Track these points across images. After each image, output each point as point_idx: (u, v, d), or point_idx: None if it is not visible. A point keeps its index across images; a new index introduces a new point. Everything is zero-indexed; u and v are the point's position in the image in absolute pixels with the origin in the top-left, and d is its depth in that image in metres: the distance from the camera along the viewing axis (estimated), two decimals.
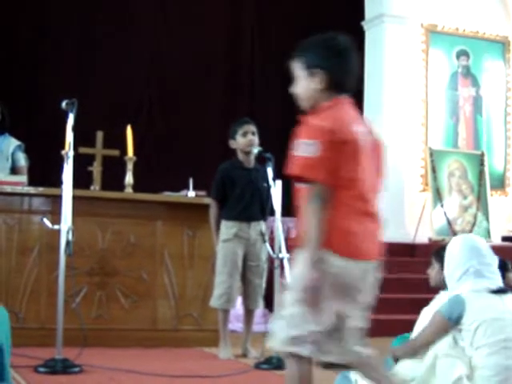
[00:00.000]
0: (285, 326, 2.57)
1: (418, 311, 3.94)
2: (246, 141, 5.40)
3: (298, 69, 2.78)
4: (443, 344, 3.44)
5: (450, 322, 3.42)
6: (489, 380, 3.29)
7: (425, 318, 3.78)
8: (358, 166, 2.63)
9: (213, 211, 5.47)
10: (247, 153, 5.42)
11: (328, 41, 2.84)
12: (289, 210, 6.79)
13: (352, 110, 2.76)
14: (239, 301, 5.61)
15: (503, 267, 4.29)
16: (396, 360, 3.71)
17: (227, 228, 5.38)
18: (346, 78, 2.78)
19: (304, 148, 2.59)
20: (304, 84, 2.76)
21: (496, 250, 8.20)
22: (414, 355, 3.57)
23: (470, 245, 3.61)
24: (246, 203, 5.39)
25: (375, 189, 2.83)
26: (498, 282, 3.54)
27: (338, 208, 2.60)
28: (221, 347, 5.36)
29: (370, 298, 2.83)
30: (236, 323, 6.71)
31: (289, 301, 2.59)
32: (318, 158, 2.52)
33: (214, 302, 5.38)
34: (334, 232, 2.59)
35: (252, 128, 5.44)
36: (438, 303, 3.68)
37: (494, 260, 3.63)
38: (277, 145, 8.76)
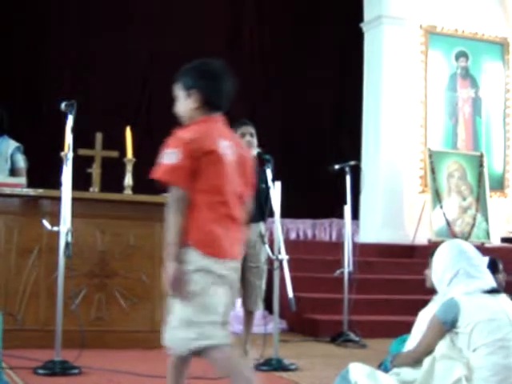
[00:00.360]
0: (183, 328, 2.93)
1: (417, 312, 3.94)
2: (244, 142, 5.40)
3: (177, 90, 3.12)
4: (441, 346, 3.44)
5: (446, 326, 3.43)
6: (487, 380, 3.29)
7: (422, 320, 3.78)
8: (220, 175, 2.95)
9: None
10: None
11: (203, 65, 3.14)
12: (288, 211, 6.82)
13: (221, 127, 3.10)
14: (239, 302, 5.61)
15: (494, 268, 4.29)
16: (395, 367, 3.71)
17: None
18: (219, 98, 3.09)
19: (167, 156, 3.00)
20: (183, 103, 3.11)
21: (495, 251, 8.24)
22: (415, 364, 3.57)
23: (457, 249, 3.64)
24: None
25: (240, 197, 3.07)
26: (490, 282, 3.55)
27: (202, 211, 2.92)
28: None
29: (233, 293, 3.09)
30: (236, 325, 6.70)
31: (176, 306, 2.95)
32: (177, 165, 2.92)
33: None
34: (199, 233, 2.92)
35: (250, 129, 5.44)
36: (435, 306, 3.68)
37: (483, 261, 3.64)
38: (277, 145, 8.82)
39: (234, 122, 5.65)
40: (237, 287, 3.16)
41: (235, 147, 3.06)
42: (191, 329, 2.91)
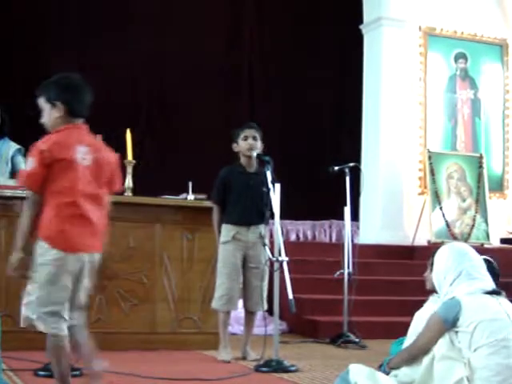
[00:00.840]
0: (34, 307, 3.39)
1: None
2: (246, 145, 5.42)
3: (42, 103, 3.53)
4: (440, 346, 3.44)
5: (447, 325, 3.43)
6: (489, 381, 3.30)
7: (418, 321, 3.79)
8: (70, 179, 3.34)
9: (215, 216, 5.51)
10: (248, 157, 5.44)
11: (64, 79, 3.58)
12: (288, 212, 6.83)
13: (82, 133, 3.51)
14: (240, 304, 5.62)
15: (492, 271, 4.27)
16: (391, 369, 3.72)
17: (226, 231, 5.43)
18: (80, 108, 3.53)
19: (27, 164, 3.39)
20: (48, 114, 3.52)
21: (495, 252, 8.24)
22: (411, 362, 3.58)
23: (458, 250, 3.65)
24: (244, 207, 5.41)
25: (95, 198, 3.45)
26: (491, 284, 3.56)
27: (53, 210, 3.33)
28: (220, 349, 5.37)
29: (87, 282, 3.51)
30: (236, 326, 6.72)
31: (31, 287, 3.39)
32: (31, 172, 3.34)
33: (215, 303, 5.41)
34: (49, 229, 3.34)
35: (253, 133, 5.46)
36: (432, 306, 3.69)
37: (483, 263, 3.65)
38: (276, 146, 8.82)
39: (234, 122, 5.69)
40: (90, 277, 3.50)
41: (93, 152, 3.45)
42: (34, 311, 3.40)
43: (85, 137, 3.50)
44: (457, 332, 3.42)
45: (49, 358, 3.65)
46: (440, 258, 3.68)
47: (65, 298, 3.40)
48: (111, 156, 3.59)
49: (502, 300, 3.50)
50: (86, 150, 3.42)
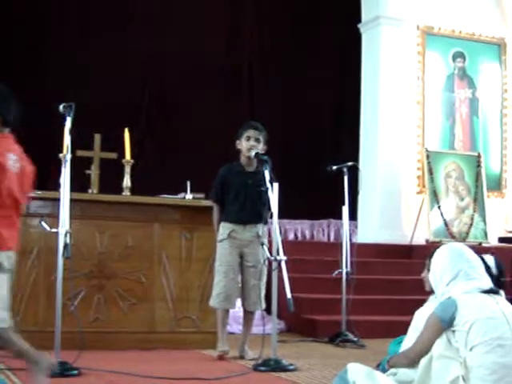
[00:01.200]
0: None
1: (414, 313, 3.95)
2: (247, 145, 5.43)
3: None
4: (437, 345, 3.44)
5: (444, 325, 3.43)
6: (485, 379, 3.30)
7: (418, 320, 3.79)
8: (5, 184, 3.51)
9: (215, 214, 5.52)
10: (248, 157, 5.45)
11: None
12: (286, 211, 6.83)
13: (11, 142, 3.66)
14: (239, 303, 5.62)
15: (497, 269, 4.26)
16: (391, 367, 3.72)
17: (223, 229, 5.44)
18: (10, 117, 3.67)
19: None
20: None
21: (493, 251, 8.23)
22: (412, 365, 3.58)
23: (456, 251, 3.65)
24: (241, 206, 5.42)
25: (17, 204, 3.65)
26: (489, 283, 3.56)
27: None
28: (218, 343, 5.38)
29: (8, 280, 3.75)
30: (235, 325, 6.72)
31: None
32: None
33: (213, 301, 5.42)
34: None
35: (257, 135, 5.45)
36: (432, 306, 3.69)
37: (481, 264, 3.65)
38: (276, 146, 8.81)
39: (234, 122, 5.69)
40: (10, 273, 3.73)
41: (20, 161, 3.62)
42: None
43: (13, 145, 3.66)
44: (454, 331, 3.42)
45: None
46: (437, 258, 3.69)
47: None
48: (31, 168, 3.75)
49: (500, 299, 3.51)
50: (15, 158, 3.60)
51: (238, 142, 5.53)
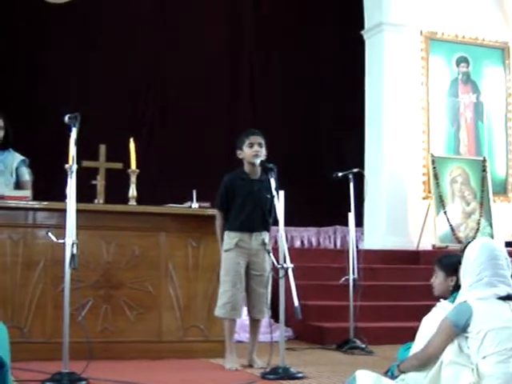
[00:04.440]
0: None
1: (422, 319, 3.94)
2: (252, 152, 5.40)
3: None
4: (448, 351, 3.43)
5: (457, 330, 3.42)
6: None
7: (426, 326, 3.78)
8: None
9: (218, 222, 5.50)
10: (253, 164, 5.43)
11: None
12: (292, 219, 6.83)
13: None
14: (245, 312, 5.62)
15: None
16: (402, 372, 3.71)
17: (229, 238, 5.41)
18: None
19: None
20: None
21: None
22: (423, 367, 3.56)
23: (487, 254, 3.56)
24: (247, 214, 5.40)
25: None
26: (507, 289, 3.50)
27: None
28: (227, 358, 5.37)
29: None
30: (242, 334, 6.72)
31: None
32: None
33: (219, 311, 5.40)
34: None
35: (259, 139, 5.44)
36: (439, 312, 3.68)
37: (510, 269, 3.57)
38: (280, 153, 8.82)
39: (237, 129, 5.69)
40: None
41: None
42: None
43: None
44: (467, 337, 3.40)
45: None
46: (469, 254, 3.61)
47: None
48: None
49: None
50: None
51: (239, 151, 5.49)
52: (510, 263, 3.61)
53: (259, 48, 11.40)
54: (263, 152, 5.42)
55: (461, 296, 3.56)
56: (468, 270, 3.57)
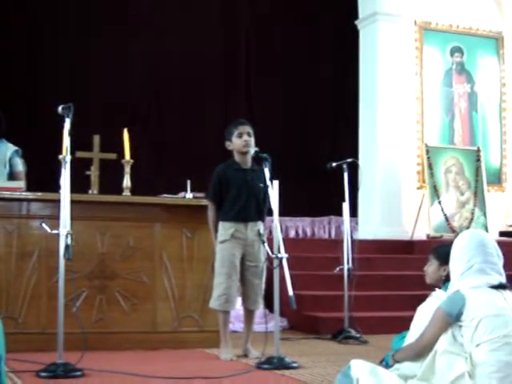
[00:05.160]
0: None
1: (416, 308, 3.95)
2: (242, 141, 5.40)
3: None
4: (442, 340, 3.43)
5: (451, 319, 3.42)
6: (490, 376, 3.29)
7: (421, 315, 3.78)
8: None
9: (211, 213, 5.48)
10: (243, 153, 5.42)
11: None
12: (287, 209, 6.83)
13: None
14: (239, 301, 5.62)
15: None
16: (396, 362, 3.72)
17: (224, 229, 5.39)
18: None
19: None
20: None
21: None
22: (417, 358, 3.57)
23: (476, 241, 3.56)
24: (242, 204, 5.39)
25: None
26: (499, 278, 3.51)
27: None
28: (222, 348, 5.37)
29: None
30: (237, 323, 6.73)
31: None
32: None
33: (213, 303, 5.39)
34: None
35: (247, 129, 5.43)
36: (434, 301, 3.68)
37: (500, 258, 3.58)
38: (274, 143, 8.83)
39: (232, 120, 5.68)
40: None
41: None
42: None
43: None
44: (460, 326, 3.41)
45: None
46: (456, 245, 3.61)
47: None
48: None
49: (508, 295, 3.47)
50: None
51: (228, 143, 5.47)
52: (500, 254, 3.62)
53: (255, 42, 11.36)
54: (252, 141, 5.41)
55: (453, 285, 3.56)
56: (458, 258, 3.57)
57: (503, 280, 3.52)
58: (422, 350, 3.54)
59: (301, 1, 11.30)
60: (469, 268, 3.51)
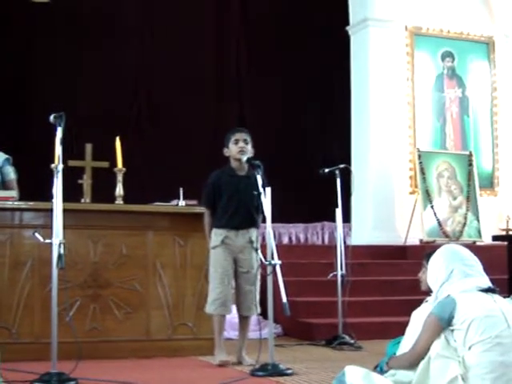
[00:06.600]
0: None
1: (410, 313, 3.95)
2: (237, 148, 5.43)
3: None
4: (435, 345, 3.45)
5: (443, 323, 3.44)
6: (483, 378, 3.30)
7: (415, 321, 3.79)
8: None
9: (206, 219, 5.51)
10: (239, 160, 5.45)
11: None
12: (279, 216, 6.82)
13: None
14: (234, 309, 5.62)
15: None
16: (391, 368, 3.72)
17: (216, 235, 5.42)
18: None
19: None
20: None
21: (487, 249, 8.25)
22: (412, 368, 3.57)
23: (449, 251, 3.69)
24: (233, 211, 5.41)
25: None
26: (487, 281, 3.56)
27: None
28: (216, 351, 5.37)
29: None
30: (231, 331, 6.72)
31: None
32: None
33: (209, 307, 5.40)
34: None
35: (244, 136, 5.48)
36: (429, 307, 3.69)
37: (478, 262, 3.65)
38: (268, 151, 8.82)
39: (224, 127, 5.70)
40: None
41: None
42: None
43: None
44: (452, 330, 3.43)
45: None
46: (433, 260, 3.71)
47: None
48: None
49: (497, 297, 3.51)
50: None
51: (225, 150, 5.52)
52: (477, 258, 3.67)
53: (246, 48, 11.38)
54: (249, 149, 5.44)
55: (443, 292, 3.58)
56: (436, 270, 3.66)
57: (488, 281, 3.56)
58: (416, 359, 3.55)
59: (293, 7, 11.32)
60: (449, 273, 3.56)
